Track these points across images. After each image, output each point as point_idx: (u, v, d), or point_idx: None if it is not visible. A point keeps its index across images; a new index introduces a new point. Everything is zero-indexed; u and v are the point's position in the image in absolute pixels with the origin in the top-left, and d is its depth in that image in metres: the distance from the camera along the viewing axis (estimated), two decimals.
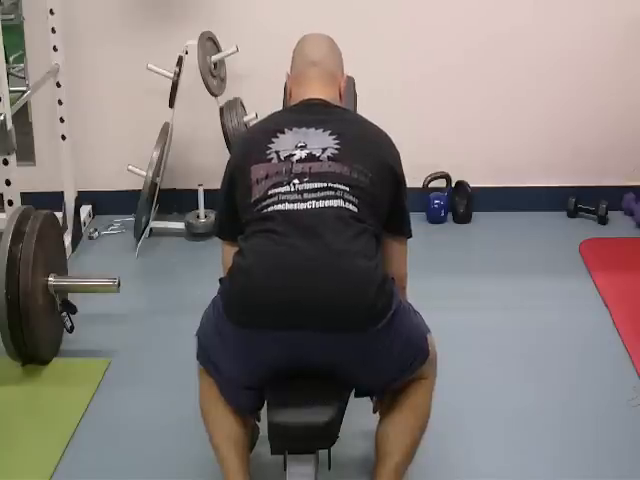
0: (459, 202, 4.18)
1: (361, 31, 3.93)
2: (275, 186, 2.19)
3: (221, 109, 3.83)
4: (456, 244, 4.05)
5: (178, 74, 3.82)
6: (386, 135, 2.37)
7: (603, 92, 4.09)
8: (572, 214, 4.19)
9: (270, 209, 2.17)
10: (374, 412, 2.34)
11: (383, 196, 2.25)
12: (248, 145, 2.37)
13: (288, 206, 2.15)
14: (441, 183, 4.19)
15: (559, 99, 4.11)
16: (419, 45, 4.01)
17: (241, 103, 3.88)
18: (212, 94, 3.83)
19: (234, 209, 2.30)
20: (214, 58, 3.83)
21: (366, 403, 2.29)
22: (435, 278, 3.59)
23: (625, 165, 4.21)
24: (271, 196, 2.18)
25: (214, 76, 3.85)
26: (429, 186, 4.15)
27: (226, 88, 3.93)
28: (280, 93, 2.79)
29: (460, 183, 4.19)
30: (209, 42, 3.85)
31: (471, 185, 4.16)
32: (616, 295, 3.51)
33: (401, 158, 2.36)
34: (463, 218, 4.18)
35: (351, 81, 2.80)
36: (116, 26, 4.01)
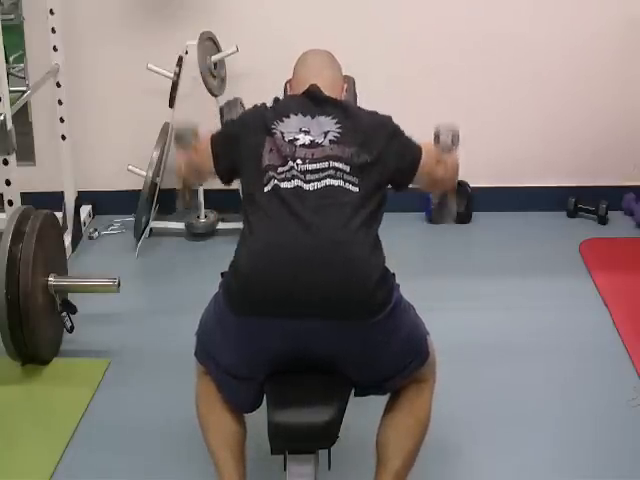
0: (459, 202, 4.18)
1: (361, 31, 3.93)
2: (277, 167, 2.21)
3: (221, 109, 3.82)
4: (456, 244, 4.04)
5: (178, 74, 3.82)
6: (385, 116, 2.40)
7: (602, 92, 4.09)
8: (572, 214, 4.19)
9: (273, 189, 2.17)
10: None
11: (386, 173, 2.28)
12: (255, 117, 2.38)
13: (289, 186, 2.16)
14: None
15: (559, 99, 4.11)
16: (419, 45, 4.01)
17: (241, 103, 3.87)
18: (212, 94, 3.83)
19: (228, 158, 2.36)
20: (214, 58, 3.83)
21: (366, 403, 2.28)
22: (435, 278, 3.59)
23: (625, 165, 4.21)
24: (273, 177, 2.19)
25: (214, 76, 3.85)
26: None
27: (226, 88, 3.93)
28: (280, 93, 2.79)
29: (460, 183, 4.19)
30: (209, 42, 3.85)
31: (471, 185, 4.16)
32: (616, 295, 3.51)
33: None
34: (463, 218, 4.18)
35: (351, 81, 2.81)
36: (116, 26, 4.01)
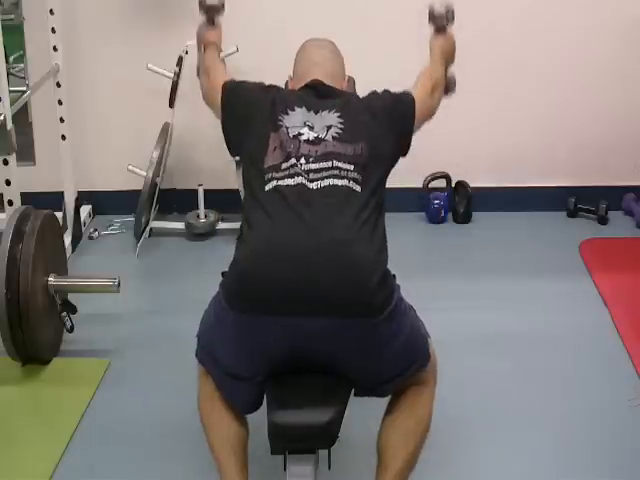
0: (459, 202, 4.18)
1: (361, 30, 3.93)
2: (280, 164, 2.21)
3: None
4: (456, 244, 4.05)
5: (178, 74, 3.82)
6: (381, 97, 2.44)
7: (603, 92, 4.09)
8: (572, 214, 4.20)
9: (275, 188, 2.17)
10: None
11: (393, 156, 2.34)
12: (265, 105, 2.36)
13: (292, 183, 2.16)
14: (441, 183, 4.20)
15: (559, 99, 4.11)
16: (419, 45, 4.00)
17: None
18: None
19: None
20: None
21: (366, 403, 2.28)
22: (435, 278, 3.59)
23: (625, 165, 4.21)
24: (274, 177, 2.19)
25: None
26: (429, 186, 4.16)
27: None
28: None
29: (460, 183, 4.19)
30: None
31: (471, 185, 4.16)
32: (616, 295, 3.51)
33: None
34: (463, 218, 4.18)
35: (352, 81, 2.81)
36: (116, 26, 4.01)
